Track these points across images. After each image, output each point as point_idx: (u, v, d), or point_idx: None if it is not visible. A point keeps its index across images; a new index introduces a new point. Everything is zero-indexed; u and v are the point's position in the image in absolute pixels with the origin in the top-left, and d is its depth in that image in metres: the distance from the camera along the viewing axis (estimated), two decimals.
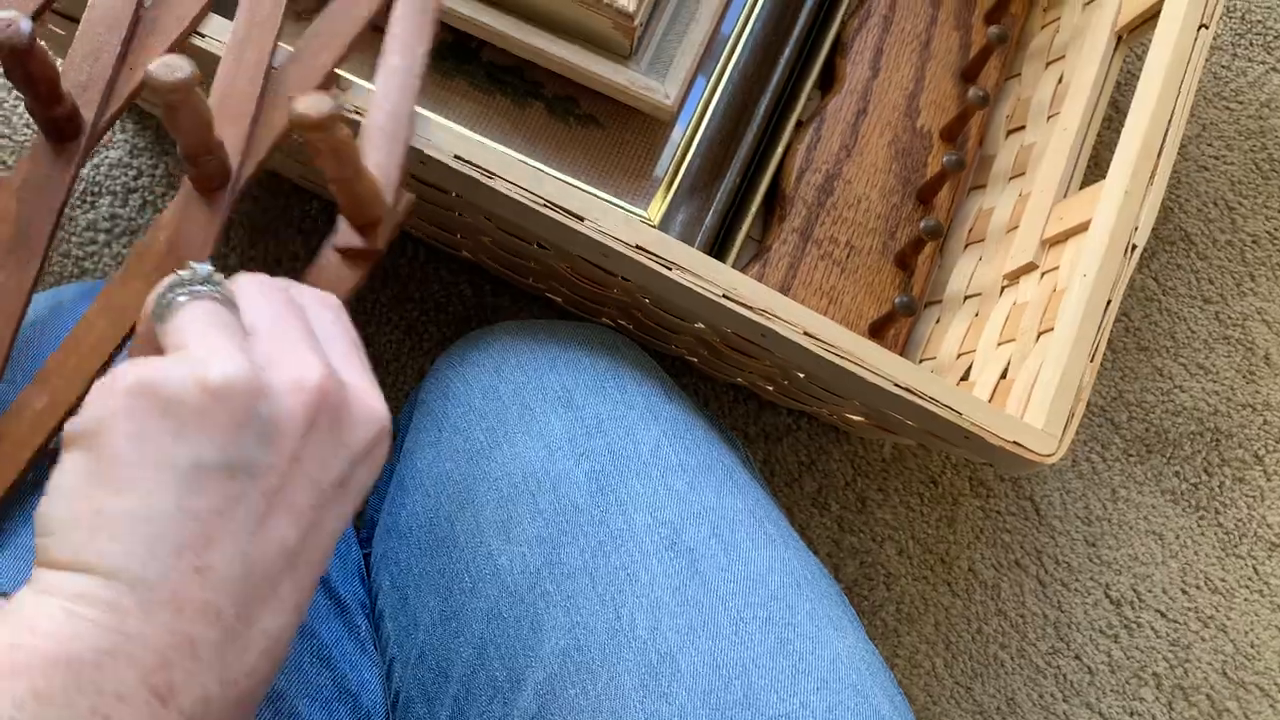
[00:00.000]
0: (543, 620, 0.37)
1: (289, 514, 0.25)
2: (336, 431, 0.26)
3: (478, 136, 0.54)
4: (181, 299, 0.27)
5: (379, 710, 0.40)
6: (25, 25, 0.31)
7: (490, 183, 0.41)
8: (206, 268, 0.28)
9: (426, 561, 0.41)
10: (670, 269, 0.42)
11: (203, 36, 0.41)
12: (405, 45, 0.41)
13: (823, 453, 0.60)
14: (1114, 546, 0.61)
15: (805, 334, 0.42)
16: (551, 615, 0.37)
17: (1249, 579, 0.62)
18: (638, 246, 0.42)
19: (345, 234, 0.39)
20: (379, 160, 0.39)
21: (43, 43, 0.34)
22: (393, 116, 0.40)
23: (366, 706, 0.39)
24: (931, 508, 0.61)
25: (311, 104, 0.31)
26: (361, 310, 0.60)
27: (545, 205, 0.41)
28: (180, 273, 0.27)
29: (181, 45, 0.40)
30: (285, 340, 0.27)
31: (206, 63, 0.39)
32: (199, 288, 0.27)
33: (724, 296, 0.42)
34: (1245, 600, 0.62)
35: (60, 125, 0.36)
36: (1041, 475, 0.61)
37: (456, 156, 0.41)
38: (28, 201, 0.36)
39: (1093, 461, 0.63)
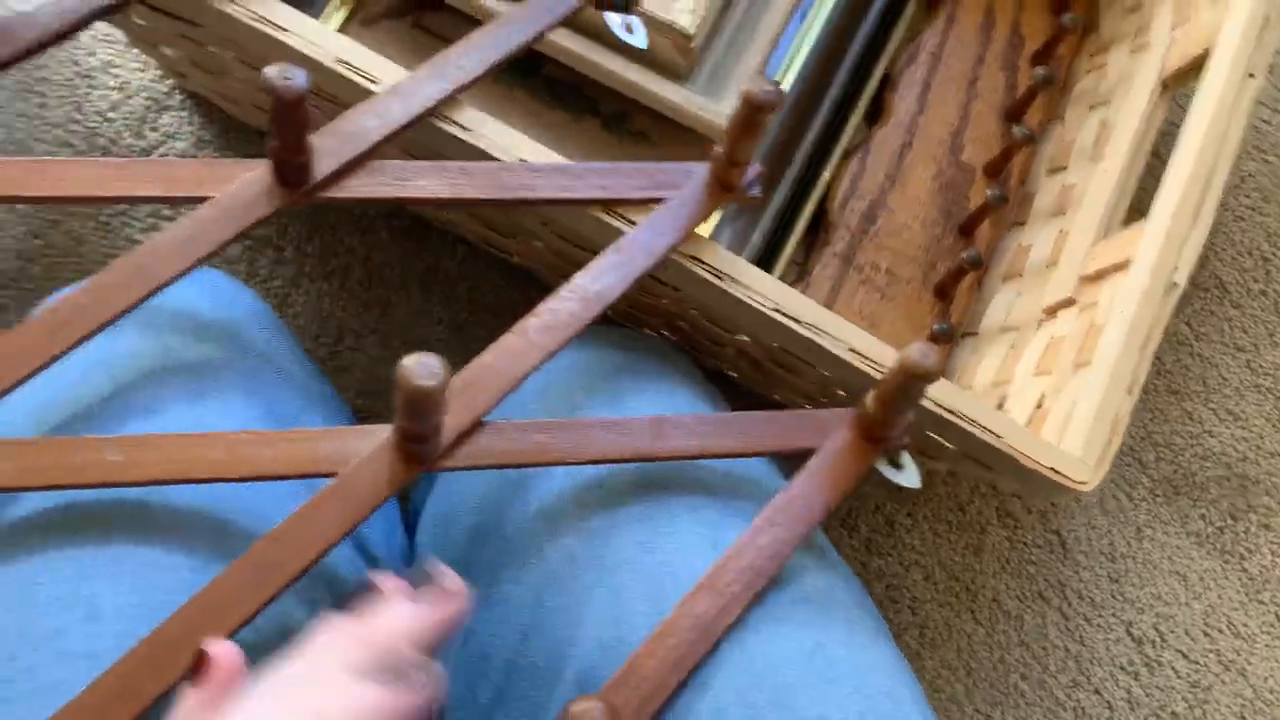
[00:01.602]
0: (584, 613, 0.38)
1: None
2: None
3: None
4: None
5: None
6: (302, 81, 0.35)
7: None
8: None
9: (473, 549, 0.42)
10: (722, 279, 0.43)
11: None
12: None
13: None
14: (1138, 585, 0.62)
15: (851, 350, 0.43)
16: (594, 606, 0.38)
17: (1271, 625, 0.63)
18: (692, 257, 0.43)
19: None
20: None
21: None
22: None
23: None
24: (959, 535, 0.61)
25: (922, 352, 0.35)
26: (410, 308, 0.61)
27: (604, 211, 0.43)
28: None
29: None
30: None
31: None
32: None
33: (775, 310, 0.43)
34: (1266, 646, 0.62)
35: (287, 169, 0.39)
36: (1068, 510, 0.62)
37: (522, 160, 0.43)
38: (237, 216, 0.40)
39: (1119, 500, 0.64)
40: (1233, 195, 0.71)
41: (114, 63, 0.63)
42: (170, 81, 0.62)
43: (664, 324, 0.55)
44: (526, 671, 0.38)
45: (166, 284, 0.38)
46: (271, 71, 0.35)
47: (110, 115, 0.62)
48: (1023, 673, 0.59)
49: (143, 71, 0.62)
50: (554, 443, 0.39)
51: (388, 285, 0.60)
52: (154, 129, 0.62)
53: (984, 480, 0.62)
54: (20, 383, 0.37)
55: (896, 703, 0.37)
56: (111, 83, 0.62)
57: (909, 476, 0.41)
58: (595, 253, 0.41)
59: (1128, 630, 0.61)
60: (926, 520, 0.61)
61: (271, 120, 0.37)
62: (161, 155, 0.61)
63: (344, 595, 0.39)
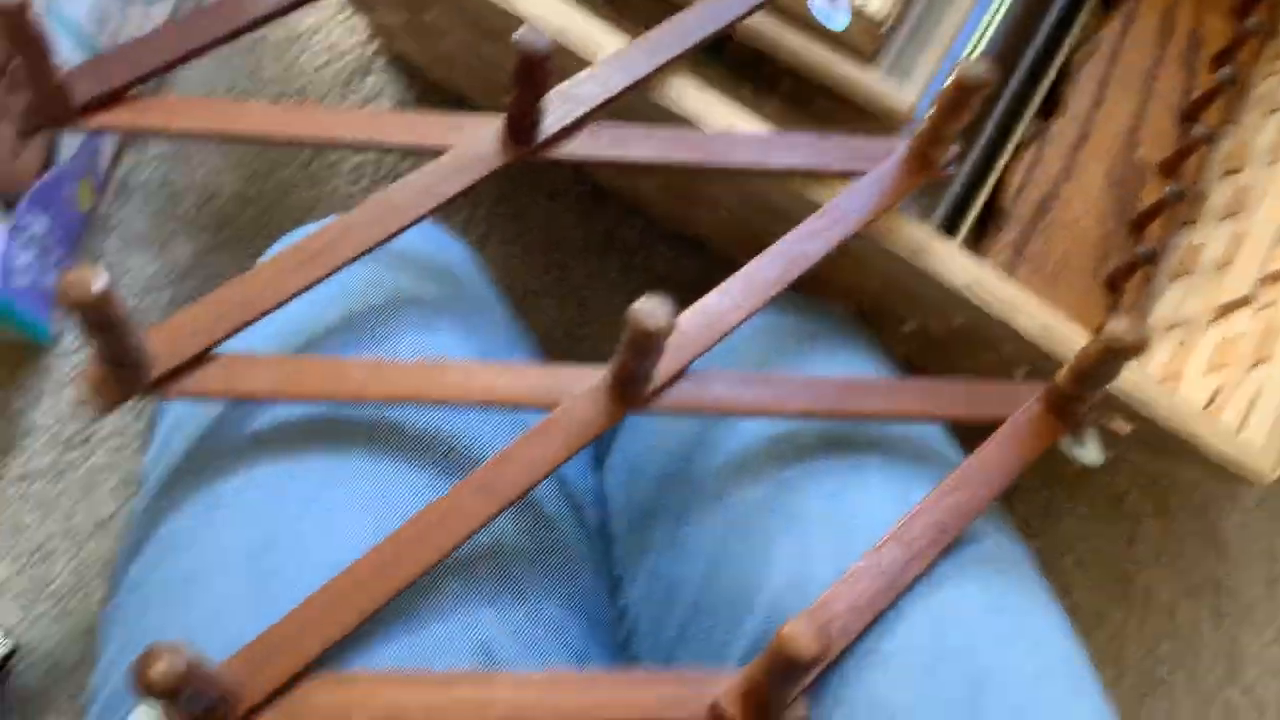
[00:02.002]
0: (772, 551, 0.40)
1: None
2: None
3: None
4: None
5: (605, 623, 0.44)
6: (546, 42, 0.38)
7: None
8: None
9: (662, 494, 0.44)
10: (916, 254, 0.45)
11: None
12: None
13: None
14: None
15: (1044, 328, 0.44)
16: (781, 547, 0.40)
17: None
18: (887, 229, 0.45)
19: None
20: None
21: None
22: None
23: (597, 617, 0.43)
24: (1114, 525, 0.62)
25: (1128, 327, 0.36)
26: (588, 272, 0.64)
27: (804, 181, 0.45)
28: None
29: None
30: None
31: None
32: None
33: (967, 286, 0.44)
34: None
35: (521, 124, 0.42)
36: (1227, 509, 0.62)
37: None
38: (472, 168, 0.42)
39: None
40: None
41: (322, 26, 0.67)
42: (374, 46, 0.66)
43: (841, 300, 0.56)
44: (710, 610, 0.41)
45: (407, 226, 0.42)
46: (523, 32, 0.38)
47: (318, 75, 0.66)
48: (1172, 666, 0.60)
49: (349, 35, 0.67)
50: (753, 394, 0.41)
51: (567, 250, 0.63)
52: (356, 91, 0.66)
53: (1155, 470, 0.62)
54: (270, 310, 0.40)
55: (1070, 666, 0.38)
56: (320, 45, 0.66)
57: (1091, 454, 0.42)
58: (783, 222, 0.43)
59: None
60: (1083, 507, 0.62)
61: (515, 78, 0.40)
62: None
63: (548, 525, 0.42)
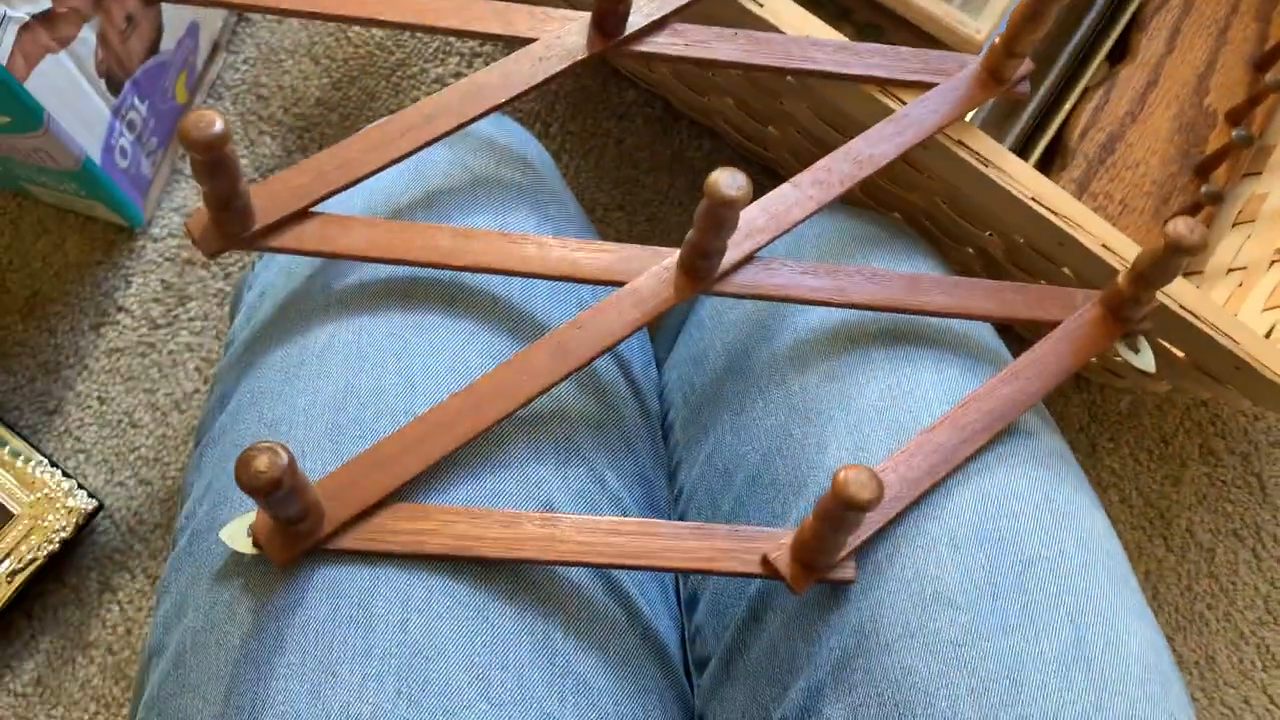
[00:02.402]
0: (828, 440, 0.41)
1: None
2: None
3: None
4: None
5: (661, 504, 0.45)
6: None
7: None
8: None
9: (722, 384, 0.46)
10: (986, 165, 0.46)
11: None
12: None
13: (1061, 396, 0.63)
14: None
15: (1104, 246, 0.45)
16: (837, 437, 0.41)
17: None
18: (959, 141, 0.46)
19: None
20: None
21: None
22: None
23: (654, 496, 0.45)
24: (1159, 465, 0.63)
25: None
26: (656, 189, 0.66)
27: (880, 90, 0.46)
28: None
29: None
30: None
31: None
32: None
33: (1033, 199, 0.45)
34: None
35: (608, 18, 0.44)
36: (1273, 455, 0.62)
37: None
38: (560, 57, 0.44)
39: None
40: None
41: None
42: None
43: (906, 219, 0.58)
44: (768, 485, 0.42)
45: (493, 109, 0.43)
46: None
47: None
48: (1209, 603, 0.61)
49: None
50: (818, 283, 0.42)
51: (637, 167, 0.65)
52: None
53: (1194, 405, 0.63)
54: (364, 178, 0.42)
55: (1113, 560, 0.39)
56: None
57: (1144, 360, 0.43)
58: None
59: None
60: (1128, 447, 0.62)
61: None
62: None
63: (611, 403, 0.44)
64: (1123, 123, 0.63)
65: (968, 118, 0.60)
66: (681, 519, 0.46)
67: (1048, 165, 0.64)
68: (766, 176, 0.66)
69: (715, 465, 0.45)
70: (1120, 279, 0.41)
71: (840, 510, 0.33)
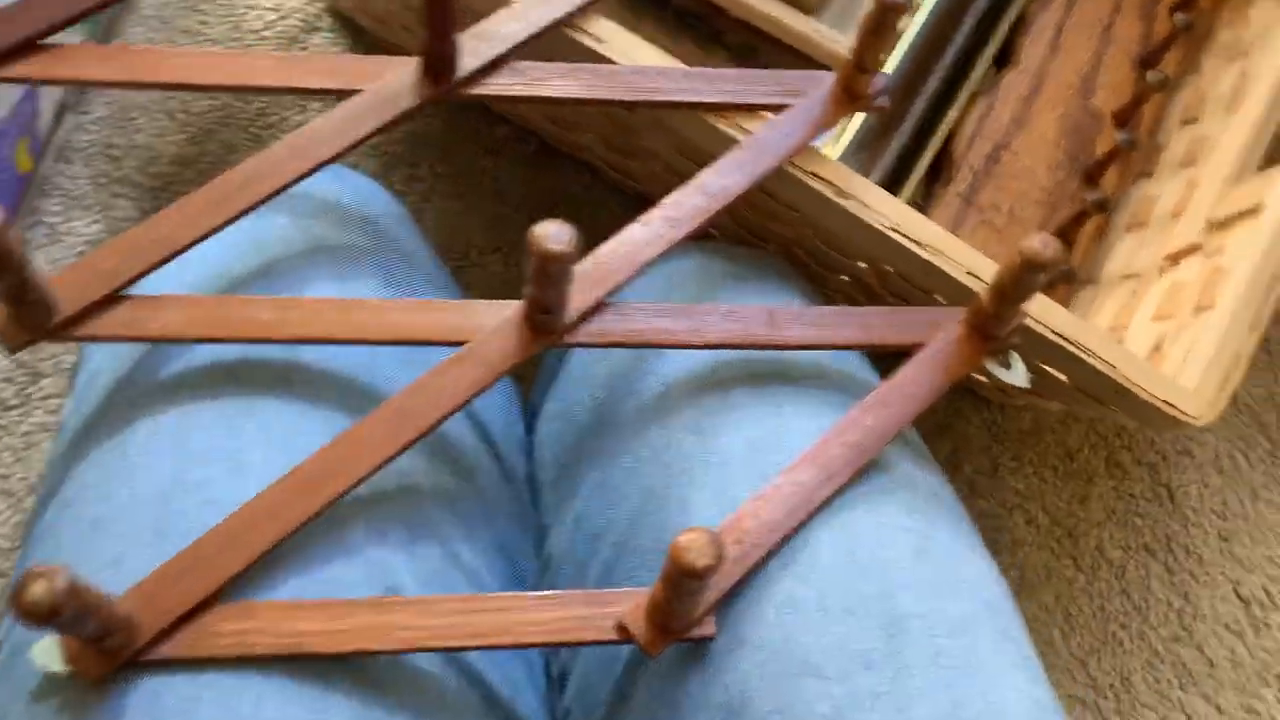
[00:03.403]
0: (691, 500, 0.39)
1: None
2: None
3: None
4: None
5: (526, 572, 0.43)
6: None
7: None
8: None
9: (590, 440, 0.44)
10: (844, 197, 0.44)
11: None
12: None
13: (961, 417, 0.61)
14: (1248, 545, 0.61)
15: (969, 274, 0.44)
16: (701, 497, 0.39)
17: None
18: (814, 174, 0.44)
19: None
20: None
21: None
22: None
23: (517, 565, 0.42)
24: (1065, 482, 0.61)
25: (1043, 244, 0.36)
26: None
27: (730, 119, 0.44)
28: None
29: None
30: None
31: None
32: None
33: (894, 230, 0.44)
34: None
35: (436, 62, 0.41)
36: (1180, 465, 0.61)
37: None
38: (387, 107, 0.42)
39: (1235, 459, 0.62)
40: None
41: None
42: (321, 4, 0.66)
43: (778, 250, 0.56)
44: (634, 551, 0.40)
45: (321, 165, 0.41)
46: None
47: (265, 34, 0.65)
48: (1122, 622, 0.59)
49: None
50: (673, 325, 0.40)
51: (513, 206, 0.63)
52: (304, 48, 0.65)
53: (1098, 419, 0.61)
54: (182, 251, 0.40)
55: (994, 610, 0.37)
56: (266, 2, 0.66)
57: (1017, 375, 0.41)
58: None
59: (1235, 590, 0.60)
60: (1032, 465, 0.61)
61: (425, 10, 0.39)
62: None
63: (466, 470, 0.41)
64: (1008, 130, 0.62)
65: (839, 139, 0.58)
66: (551, 589, 0.43)
67: (936, 178, 0.62)
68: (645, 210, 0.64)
69: (583, 529, 0.43)
70: (983, 295, 0.39)
71: (680, 578, 0.30)
